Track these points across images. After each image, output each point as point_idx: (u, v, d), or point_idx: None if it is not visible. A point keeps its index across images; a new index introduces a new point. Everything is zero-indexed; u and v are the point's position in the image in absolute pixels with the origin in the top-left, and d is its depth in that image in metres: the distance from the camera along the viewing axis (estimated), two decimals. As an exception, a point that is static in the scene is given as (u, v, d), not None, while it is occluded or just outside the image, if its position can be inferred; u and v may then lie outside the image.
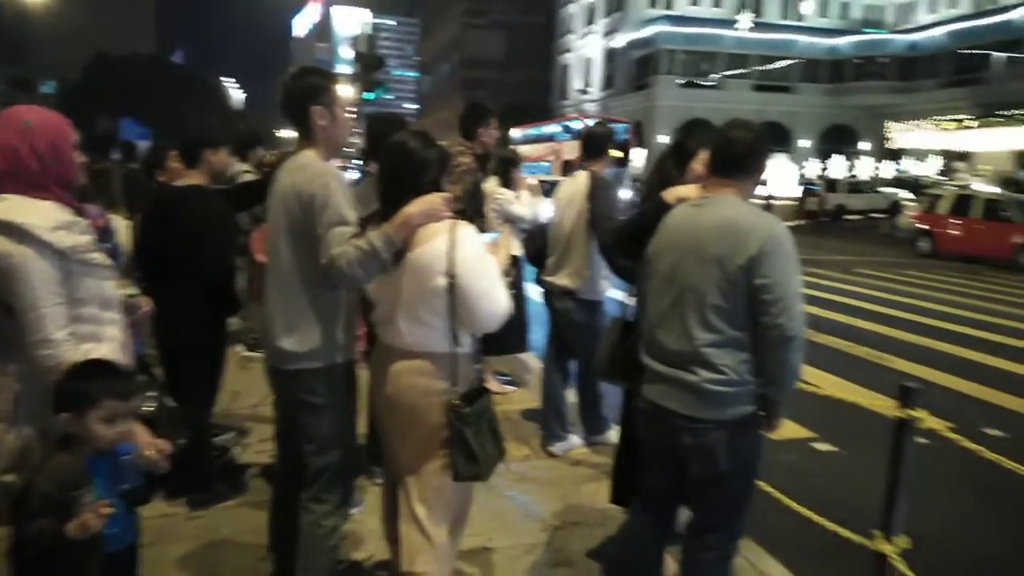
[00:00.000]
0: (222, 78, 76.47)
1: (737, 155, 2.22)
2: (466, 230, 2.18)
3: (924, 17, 41.42)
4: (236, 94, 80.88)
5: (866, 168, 37.77)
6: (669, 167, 2.92)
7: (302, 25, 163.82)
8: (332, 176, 2.26)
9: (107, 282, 2.09)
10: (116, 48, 54.41)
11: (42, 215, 1.91)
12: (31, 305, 1.88)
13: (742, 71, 41.14)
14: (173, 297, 3.18)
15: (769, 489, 3.20)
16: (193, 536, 3.07)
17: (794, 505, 3.11)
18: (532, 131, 32.80)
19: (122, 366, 1.99)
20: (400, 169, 2.23)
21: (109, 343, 2.05)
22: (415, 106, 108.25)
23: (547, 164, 27.71)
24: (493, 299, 2.14)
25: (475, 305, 2.13)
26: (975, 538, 3.62)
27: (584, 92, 49.95)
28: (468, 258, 2.13)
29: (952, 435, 2.58)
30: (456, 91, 62.18)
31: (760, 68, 41.22)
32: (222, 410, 4.21)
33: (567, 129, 29.82)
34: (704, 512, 2.29)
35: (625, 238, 2.69)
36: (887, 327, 8.38)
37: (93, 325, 2.02)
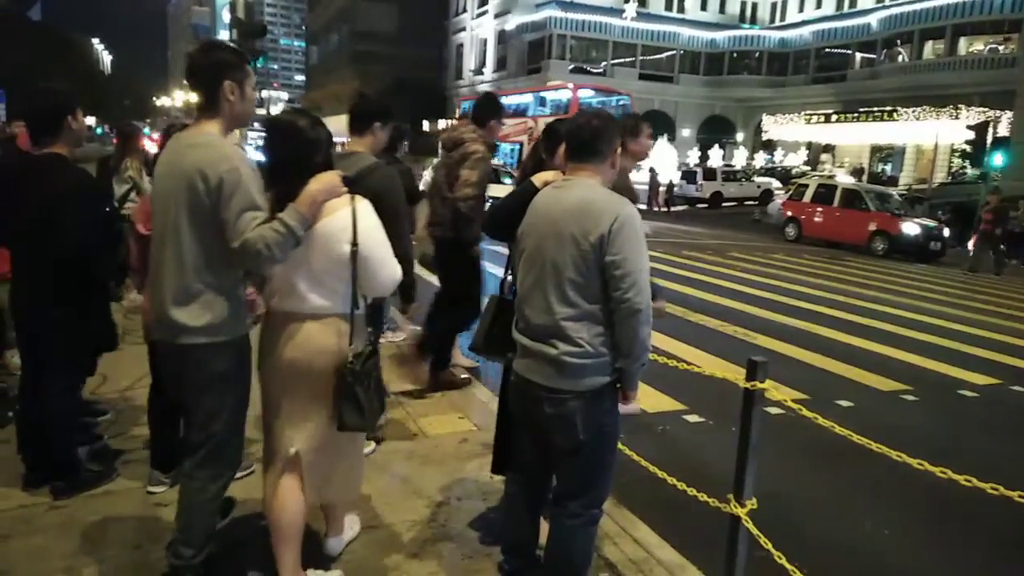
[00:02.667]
0: (92, 39, 70.52)
1: (586, 140, 2.35)
2: (364, 204, 2.39)
3: (794, 15, 44.21)
4: (104, 56, 74.84)
5: (741, 158, 40.03)
6: (541, 151, 3.06)
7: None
8: (240, 160, 2.30)
9: None
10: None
11: None
12: None
13: (629, 60, 42.42)
14: (32, 272, 3.06)
15: (640, 459, 3.43)
16: (57, 526, 2.91)
17: (662, 473, 3.34)
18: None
19: None
20: (294, 150, 2.36)
21: None
22: (302, 78, 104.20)
23: (515, 145, 24.15)
24: (390, 266, 2.42)
25: (376, 270, 2.38)
26: (812, 495, 4.01)
27: (479, 72, 49.87)
28: (369, 229, 2.36)
29: (795, 405, 2.86)
30: (346, 64, 60.33)
31: (645, 58, 42.65)
32: (90, 394, 4.01)
33: (543, 102, 26.83)
34: (566, 480, 2.45)
35: (496, 220, 2.78)
36: (756, 307, 9.01)
37: None
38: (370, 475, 3.46)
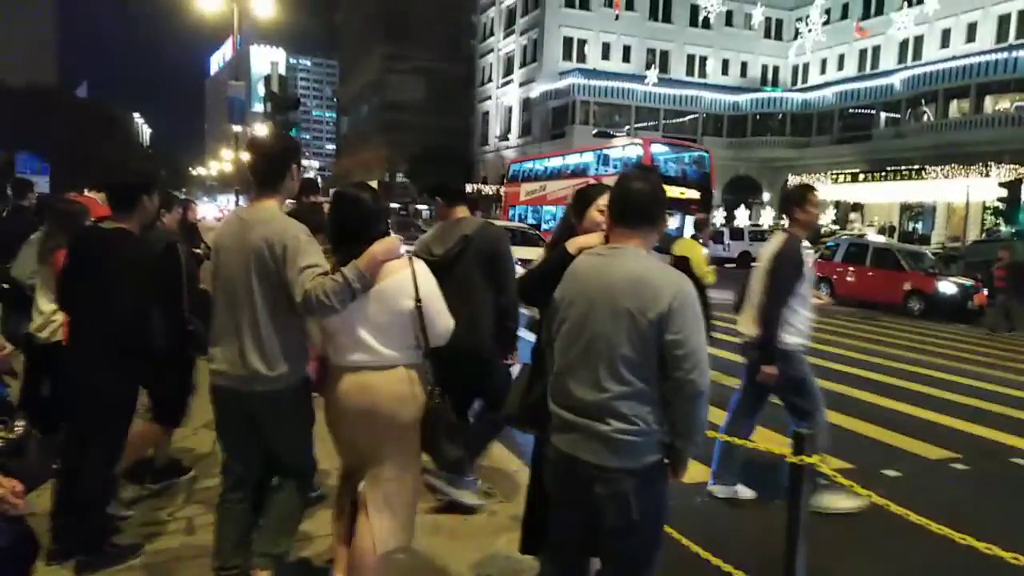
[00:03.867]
0: (133, 114, 73.73)
1: (639, 206, 2.28)
2: (420, 264, 2.76)
3: (816, 78, 44.71)
4: (144, 130, 78.05)
5: (768, 217, 39.95)
6: (571, 216, 2.97)
7: (218, 63, 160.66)
8: (300, 230, 2.70)
9: None
10: (15, 80, 51.74)
11: None
12: None
13: (651, 123, 43.05)
14: (84, 341, 3.18)
15: (678, 535, 3.26)
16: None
17: (704, 552, 3.17)
18: (544, 163, 28.70)
19: None
20: (357, 219, 2.72)
21: None
22: (332, 147, 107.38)
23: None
24: (446, 317, 2.76)
25: (435, 322, 2.71)
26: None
27: (504, 138, 50.97)
28: (428, 285, 2.71)
29: (846, 481, 2.70)
30: (376, 133, 62.12)
31: (667, 121, 43.27)
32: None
33: (606, 160, 24.86)
34: (616, 562, 2.30)
35: (528, 288, 2.73)
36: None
37: None
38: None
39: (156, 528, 3.57)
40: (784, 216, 4.67)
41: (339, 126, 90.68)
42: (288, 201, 3.27)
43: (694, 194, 22.54)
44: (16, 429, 2.14)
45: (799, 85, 45.76)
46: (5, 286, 4.78)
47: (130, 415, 3.32)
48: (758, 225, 35.41)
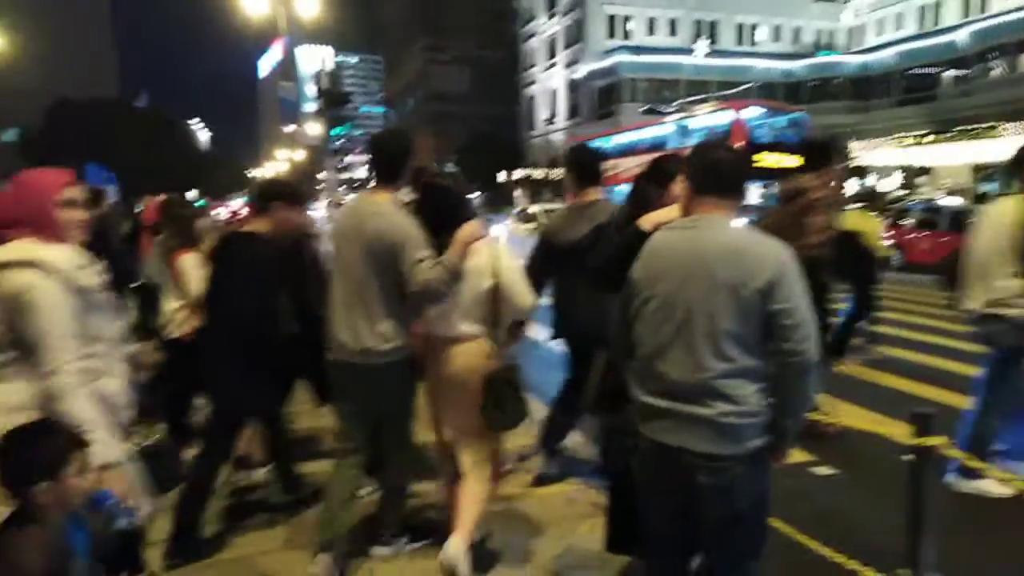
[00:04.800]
0: (188, 121, 76.01)
1: (725, 174, 2.17)
2: (501, 246, 3.06)
3: (872, 39, 42.78)
4: (202, 134, 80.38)
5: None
6: (649, 190, 2.85)
7: (267, 65, 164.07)
8: (410, 223, 2.93)
9: (113, 324, 2.29)
10: (79, 94, 53.84)
11: (64, 255, 2.12)
12: (46, 335, 2.02)
13: (702, 96, 41.98)
14: (211, 337, 3.48)
15: (775, 521, 3.10)
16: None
17: (801, 537, 3.01)
18: (614, 140, 25.64)
19: (56, 420, 1.97)
20: (447, 207, 3.05)
21: (118, 379, 2.24)
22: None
23: None
24: (524, 296, 3.00)
25: (511, 300, 2.97)
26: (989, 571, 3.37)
27: (551, 122, 50.56)
28: (507, 266, 2.98)
29: (973, 462, 2.49)
30: (422, 124, 62.44)
31: (719, 94, 42.12)
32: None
33: (685, 132, 22.20)
34: (723, 554, 2.17)
35: (606, 271, 2.59)
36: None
37: (104, 361, 2.18)
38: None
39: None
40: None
41: (387, 120, 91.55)
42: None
43: (793, 161, 20.73)
44: (155, 435, 2.32)
45: (855, 48, 43.89)
46: (135, 285, 5.19)
47: (237, 410, 3.45)
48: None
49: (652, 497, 2.25)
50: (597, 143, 28.09)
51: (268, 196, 3.54)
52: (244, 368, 3.33)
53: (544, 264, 3.85)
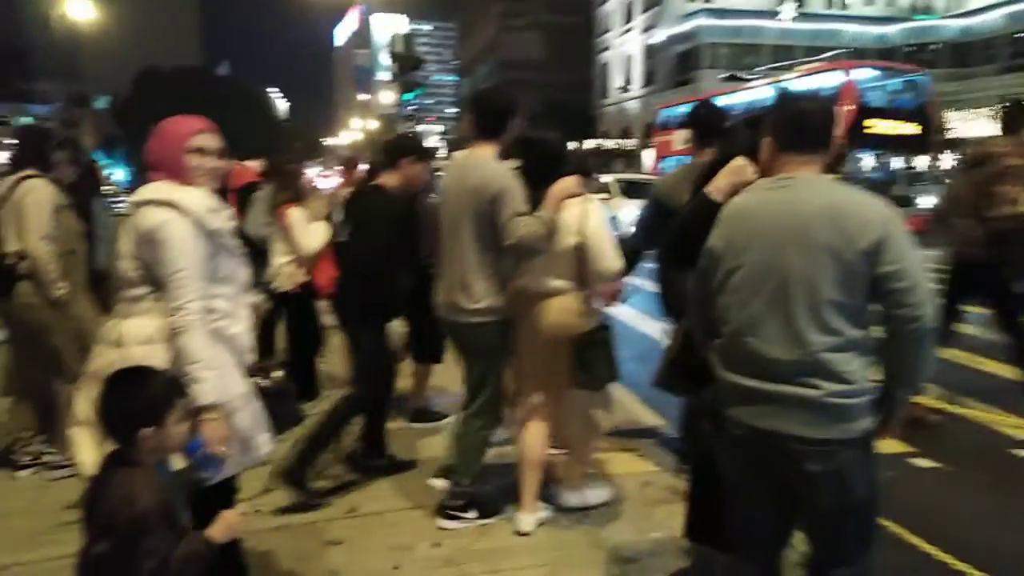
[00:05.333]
0: (268, 89, 77.81)
1: (814, 127, 1.98)
2: (593, 204, 3.05)
3: (976, 1, 39.78)
4: (280, 104, 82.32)
5: (924, 159, 36.44)
6: (736, 149, 2.57)
7: (343, 35, 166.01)
8: (510, 176, 2.98)
9: (242, 268, 2.36)
10: (164, 62, 55.79)
11: (196, 198, 2.18)
12: (174, 272, 2.09)
13: (788, 63, 40.09)
14: (343, 288, 3.66)
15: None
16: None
17: (902, 531, 2.80)
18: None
19: (154, 366, 1.96)
20: (546, 161, 3.07)
21: (243, 323, 2.30)
22: (453, 111, 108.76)
23: None
24: (609, 257, 2.98)
25: (596, 260, 2.97)
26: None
27: (625, 89, 49.38)
28: (594, 225, 3.00)
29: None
30: (495, 93, 61.95)
31: (806, 60, 40.12)
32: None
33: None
34: (833, 546, 1.99)
35: (677, 246, 2.39)
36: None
37: (230, 304, 2.24)
38: (546, 519, 3.23)
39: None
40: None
41: (460, 88, 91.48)
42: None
43: (910, 128, 18.14)
44: (274, 378, 2.54)
45: (955, 11, 40.92)
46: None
47: (375, 358, 3.62)
48: (911, 167, 32.32)
49: (746, 487, 2.07)
50: (682, 108, 26.54)
51: (398, 152, 3.65)
52: (380, 321, 3.55)
53: (655, 227, 3.65)
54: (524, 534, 3.14)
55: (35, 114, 53.05)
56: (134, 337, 2.14)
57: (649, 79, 45.87)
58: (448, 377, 4.53)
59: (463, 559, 3.01)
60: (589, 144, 46.59)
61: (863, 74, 19.39)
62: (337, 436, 3.59)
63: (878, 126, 17.18)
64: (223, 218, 2.26)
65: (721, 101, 24.16)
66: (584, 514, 3.34)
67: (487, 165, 3.02)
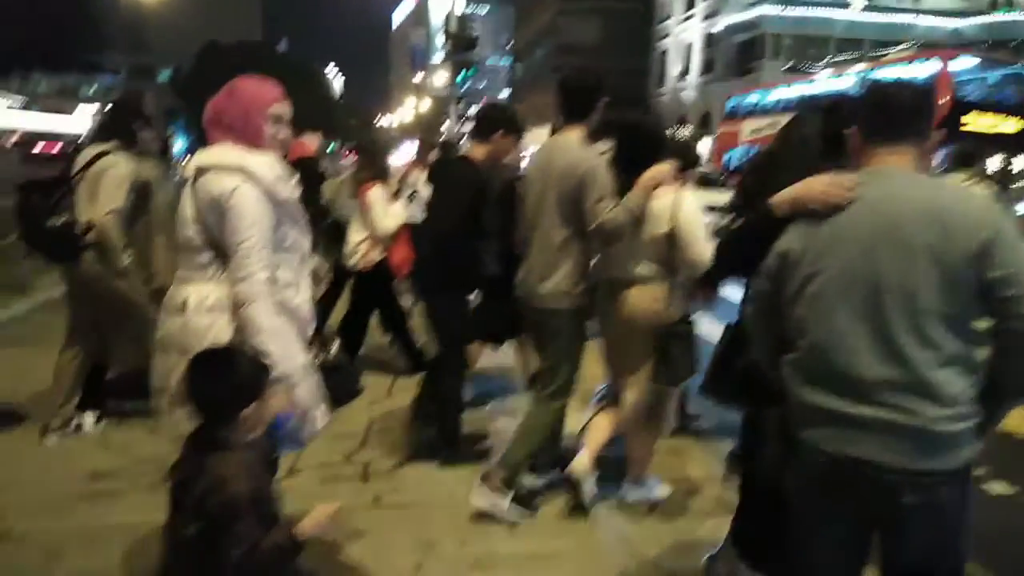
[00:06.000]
0: (324, 66, 78.69)
1: (908, 112, 1.74)
2: (686, 193, 2.96)
3: (1064, -5, 37.60)
4: (336, 82, 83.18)
5: (995, 161, 34.71)
6: (811, 150, 2.25)
7: (400, 16, 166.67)
8: (598, 159, 2.95)
9: (306, 238, 2.29)
10: (226, 36, 56.72)
11: (268, 165, 2.13)
12: (242, 241, 2.02)
13: (854, 56, 38.61)
14: (423, 262, 3.67)
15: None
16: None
17: (975, 570, 2.51)
18: (776, 94, 22.82)
19: (238, 346, 1.99)
20: (644, 148, 2.99)
21: (305, 293, 2.25)
22: (505, 93, 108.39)
23: None
24: (699, 248, 2.87)
25: (686, 249, 2.88)
26: None
27: (683, 78, 48.34)
28: (686, 214, 2.90)
29: None
30: (548, 77, 61.47)
31: (875, 54, 38.59)
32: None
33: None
34: None
35: (731, 258, 2.18)
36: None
37: (293, 274, 2.20)
38: (581, 527, 3.03)
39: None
40: None
41: (514, 72, 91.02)
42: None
43: (1013, 126, 16.26)
44: (331, 351, 2.66)
45: (1041, 4, 38.73)
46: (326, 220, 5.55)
47: (458, 329, 3.65)
48: (1008, 168, 30.62)
49: (819, 521, 1.84)
50: (754, 96, 25.39)
51: (491, 124, 3.54)
52: (460, 292, 3.57)
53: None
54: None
55: (103, 84, 54.53)
56: (198, 305, 2.09)
57: (708, 68, 44.75)
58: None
59: (492, 562, 2.84)
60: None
61: (961, 64, 17.40)
62: (458, 406, 3.71)
63: (976, 123, 15.65)
64: (291, 187, 2.20)
65: (792, 91, 23.29)
66: (623, 518, 3.13)
67: (574, 148, 2.98)
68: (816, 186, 1.76)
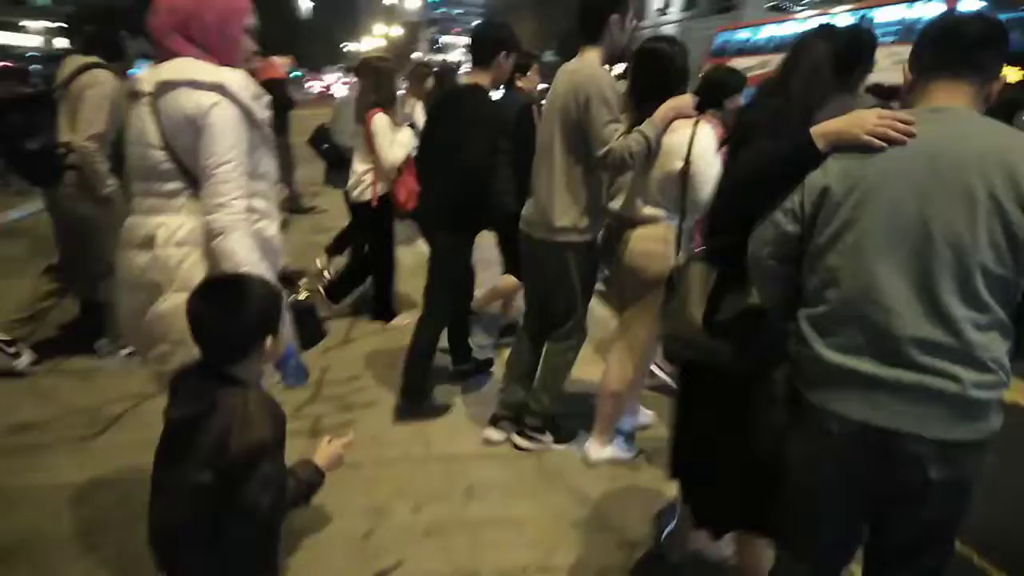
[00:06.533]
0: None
1: (974, 43, 1.49)
2: (704, 128, 2.65)
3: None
4: (305, 4, 79.44)
5: None
6: (823, 77, 2.01)
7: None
8: (605, 80, 2.69)
9: (274, 163, 2.09)
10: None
11: (245, 82, 1.90)
12: (221, 165, 1.83)
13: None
14: (435, 196, 3.38)
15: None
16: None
17: (972, 554, 2.41)
18: (767, 31, 21.41)
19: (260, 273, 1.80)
20: (662, 74, 2.73)
21: (275, 222, 2.06)
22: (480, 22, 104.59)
23: None
24: (707, 189, 2.53)
25: (699, 190, 2.61)
26: None
27: (663, 13, 47.13)
28: (702, 151, 2.62)
29: None
30: (526, 6, 59.51)
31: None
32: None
33: (869, 26, 13.61)
34: (931, 560, 1.61)
35: (752, 189, 1.75)
36: None
37: (267, 202, 2.02)
38: (540, 490, 2.87)
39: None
40: None
41: (490, 1, 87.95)
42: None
43: (1014, 75, 14.50)
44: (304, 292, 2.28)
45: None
46: (326, 146, 5.34)
47: (465, 269, 3.52)
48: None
49: (836, 495, 1.61)
50: (745, 33, 24.35)
51: (493, 45, 3.25)
52: (471, 230, 3.36)
53: None
54: (592, 463, 3.12)
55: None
56: (167, 238, 1.89)
57: (690, 3, 43.66)
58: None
59: (446, 529, 2.66)
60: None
61: (967, 5, 15.61)
62: (432, 351, 3.51)
63: None
64: (265, 106, 1.98)
65: (785, 28, 21.97)
66: (583, 479, 2.97)
67: (584, 70, 2.74)
68: (868, 120, 1.50)
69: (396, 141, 4.19)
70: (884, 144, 1.47)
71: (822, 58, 2.02)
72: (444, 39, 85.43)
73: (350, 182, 4.43)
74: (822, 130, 1.56)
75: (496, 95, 3.74)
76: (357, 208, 4.47)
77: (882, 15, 16.66)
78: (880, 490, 1.54)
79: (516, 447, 3.23)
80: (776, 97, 2.07)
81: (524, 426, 3.23)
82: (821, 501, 1.63)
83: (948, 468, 1.46)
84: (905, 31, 14.88)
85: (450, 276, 3.44)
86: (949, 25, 1.54)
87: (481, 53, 3.26)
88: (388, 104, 4.29)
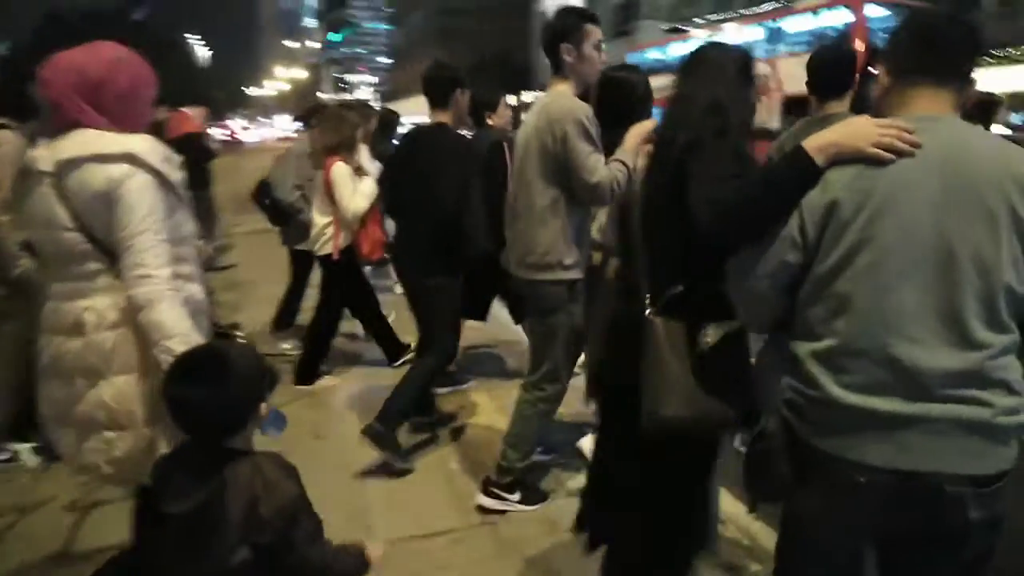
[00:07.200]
0: (187, 35, 73.34)
1: (958, 49, 1.43)
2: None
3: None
4: (202, 52, 77.66)
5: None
6: (728, 76, 1.90)
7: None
8: (580, 110, 2.63)
9: (192, 224, 2.01)
10: (74, 5, 51.53)
11: (154, 147, 1.85)
12: (140, 235, 1.76)
13: (731, 14, 39.74)
14: (411, 240, 3.36)
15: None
16: None
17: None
18: (675, 49, 20.77)
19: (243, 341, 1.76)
20: (625, 102, 2.79)
21: (200, 284, 1.99)
22: (388, 60, 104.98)
23: None
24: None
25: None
26: None
27: (563, 41, 48.41)
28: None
29: None
30: (431, 43, 59.98)
31: (746, 12, 39.86)
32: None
33: (777, 36, 16.59)
34: None
35: (744, 221, 1.55)
36: None
37: (192, 266, 1.95)
38: (507, 558, 2.66)
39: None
40: None
41: (392, 38, 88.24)
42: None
43: None
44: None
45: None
46: (267, 202, 4.99)
47: (458, 308, 3.46)
48: None
49: (846, 551, 1.44)
50: (653, 52, 24.89)
51: (449, 83, 3.30)
52: (450, 274, 3.30)
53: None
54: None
55: (-76, 61, 48.33)
56: (97, 323, 1.80)
57: (588, 30, 45.03)
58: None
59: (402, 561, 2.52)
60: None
61: (875, 11, 16.15)
62: (423, 399, 3.50)
63: None
64: (177, 167, 1.92)
65: (685, 49, 22.69)
66: (544, 543, 2.78)
67: (560, 102, 2.71)
68: (868, 130, 1.38)
69: (358, 191, 3.94)
70: (893, 156, 1.36)
71: (723, 58, 1.93)
72: (351, 78, 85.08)
73: (312, 234, 4.16)
74: (818, 144, 1.42)
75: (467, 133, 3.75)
76: (321, 262, 4.22)
77: (790, 25, 17.02)
78: (897, 541, 1.40)
79: (479, 508, 3.00)
80: (678, 104, 1.94)
81: (490, 483, 3.01)
82: (836, 561, 1.46)
83: (986, 506, 1.34)
84: (816, 40, 15.04)
85: (443, 321, 3.40)
86: (927, 27, 1.46)
87: (437, 94, 3.30)
88: (348, 152, 4.04)
